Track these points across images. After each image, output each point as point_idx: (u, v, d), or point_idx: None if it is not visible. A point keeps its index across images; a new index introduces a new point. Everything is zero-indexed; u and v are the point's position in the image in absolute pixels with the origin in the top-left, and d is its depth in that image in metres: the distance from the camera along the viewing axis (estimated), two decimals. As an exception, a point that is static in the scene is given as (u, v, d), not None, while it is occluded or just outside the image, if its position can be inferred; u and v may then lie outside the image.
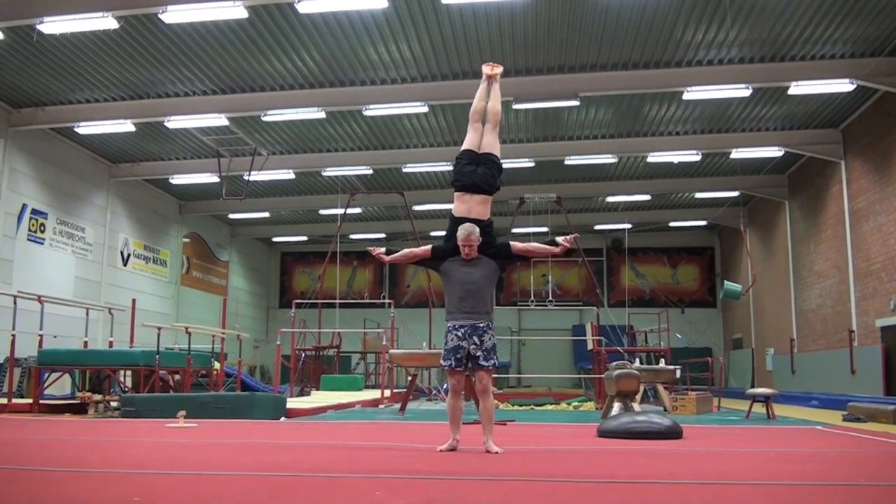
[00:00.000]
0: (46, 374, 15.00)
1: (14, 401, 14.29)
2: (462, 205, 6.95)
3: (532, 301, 24.34)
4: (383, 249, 7.21)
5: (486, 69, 7.47)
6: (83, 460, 6.07)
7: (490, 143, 7.18)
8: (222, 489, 4.63)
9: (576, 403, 18.15)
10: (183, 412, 9.96)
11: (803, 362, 24.76)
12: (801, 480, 5.14)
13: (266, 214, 31.31)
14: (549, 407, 17.72)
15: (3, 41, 15.97)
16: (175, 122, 20.00)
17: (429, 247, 6.99)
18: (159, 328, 15.20)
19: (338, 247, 23.82)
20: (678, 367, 16.26)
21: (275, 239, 37.13)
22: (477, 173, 6.97)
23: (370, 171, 25.11)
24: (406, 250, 7.10)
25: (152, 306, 26.72)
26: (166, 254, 28.81)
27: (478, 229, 6.69)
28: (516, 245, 6.91)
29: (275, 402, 12.83)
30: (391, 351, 15.99)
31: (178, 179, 25.68)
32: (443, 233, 7.01)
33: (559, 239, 6.83)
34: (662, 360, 17.18)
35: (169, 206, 28.98)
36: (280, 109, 19.33)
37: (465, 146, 7.19)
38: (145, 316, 21.74)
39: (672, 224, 32.71)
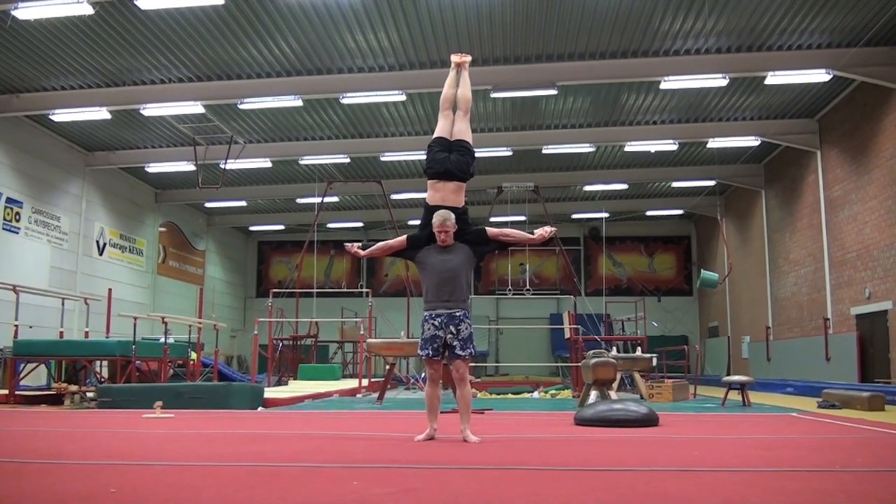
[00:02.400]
0: (22, 365, 14.89)
1: (-11, 391, 14.20)
2: (436, 193, 6.91)
3: (510, 290, 24.36)
4: (359, 244, 7.15)
5: (455, 58, 7.47)
6: (59, 451, 6.03)
7: (462, 130, 7.14)
8: (199, 479, 4.62)
9: (553, 392, 18.21)
10: (160, 402, 9.93)
11: (779, 350, 24.98)
12: (776, 467, 5.18)
13: (243, 203, 31.19)
14: (526, 395, 17.78)
15: (-25, 27, 15.80)
16: (151, 110, 19.86)
17: (404, 237, 6.96)
18: (136, 318, 15.11)
19: (315, 236, 23.78)
20: (654, 355, 16.34)
21: (252, 228, 37.00)
22: (450, 160, 6.93)
23: (347, 160, 25.06)
24: (382, 243, 7.05)
25: (128, 296, 26.57)
26: (142, 243, 28.64)
27: (453, 216, 6.67)
28: (492, 230, 6.87)
29: (252, 391, 12.80)
30: (369, 340, 15.98)
31: (153, 168, 25.51)
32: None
33: (537, 230, 6.82)
34: (639, 348, 17.27)
35: (145, 195, 28.79)
36: (257, 97, 19.24)
37: (436, 134, 7.15)
38: (121, 306, 21.64)
39: (649, 213, 32.87)
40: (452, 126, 7.18)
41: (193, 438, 7.19)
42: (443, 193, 6.88)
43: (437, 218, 6.61)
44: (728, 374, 22.55)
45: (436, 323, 6.56)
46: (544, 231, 6.78)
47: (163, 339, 17.69)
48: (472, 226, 6.93)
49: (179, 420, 9.28)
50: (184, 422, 9.06)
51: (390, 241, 6.99)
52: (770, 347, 25.66)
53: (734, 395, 13.82)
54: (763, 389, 20.33)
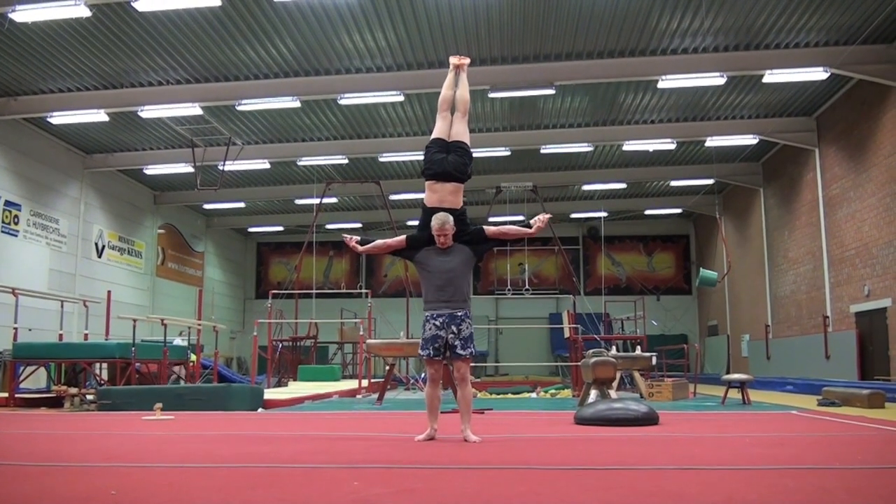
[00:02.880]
0: (21, 368, 14.88)
1: (-11, 395, 14.19)
2: (434, 194, 6.90)
3: (509, 290, 24.40)
4: (358, 238, 7.15)
5: (454, 60, 7.47)
6: (59, 454, 6.02)
7: (460, 132, 7.14)
8: (200, 481, 4.62)
9: (553, 391, 18.21)
10: (159, 404, 9.93)
11: (778, 348, 24.98)
12: (776, 464, 5.18)
13: (241, 204, 31.19)
14: (526, 395, 17.77)
15: (-28, 30, 15.79)
16: (149, 112, 19.87)
17: (403, 237, 6.95)
18: (135, 320, 15.10)
19: (314, 237, 23.75)
20: (654, 354, 16.33)
21: (250, 229, 36.97)
22: (448, 161, 6.92)
23: (346, 161, 25.06)
24: (381, 241, 7.05)
25: (128, 298, 26.56)
26: (141, 245, 28.62)
27: (452, 218, 6.66)
28: (490, 229, 6.87)
29: (252, 393, 12.80)
30: (368, 341, 15.97)
31: (152, 170, 25.49)
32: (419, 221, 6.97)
33: (532, 221, 6.81)
34: (638, 347, 17.27)
35: (143, 197, 28.77)
36: (254, 98, 19.23)
37: (434, 135, 7.14)
38: (120, 308, 21.61)
39: (648, 212, 32.87)
40: (450, 127, 7.18)
41: (193, 440, 7.19)
42: (440, 194, 6.88)
43: (435, 221, 6.61)
44: (728, 373, 22.53)
45: (437, 323, 6.57)
46: (540, 221, 6.78)
47: (177, 341, 17.79)
48: (471, 226, 6.93)
49: (179, 422, 9.28)
50: (183, 423, 9.06)
51: (389, 240, 6.98)
52: (769, 346, 25.66)
53: (734, 394, 13.82)
54: (763, 387, 20.33)
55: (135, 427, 8.56)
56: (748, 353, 28.02)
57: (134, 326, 14.73)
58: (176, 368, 17.23)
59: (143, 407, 10.84)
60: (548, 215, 6.96)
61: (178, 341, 18.51)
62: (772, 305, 26.02)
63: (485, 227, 6.92)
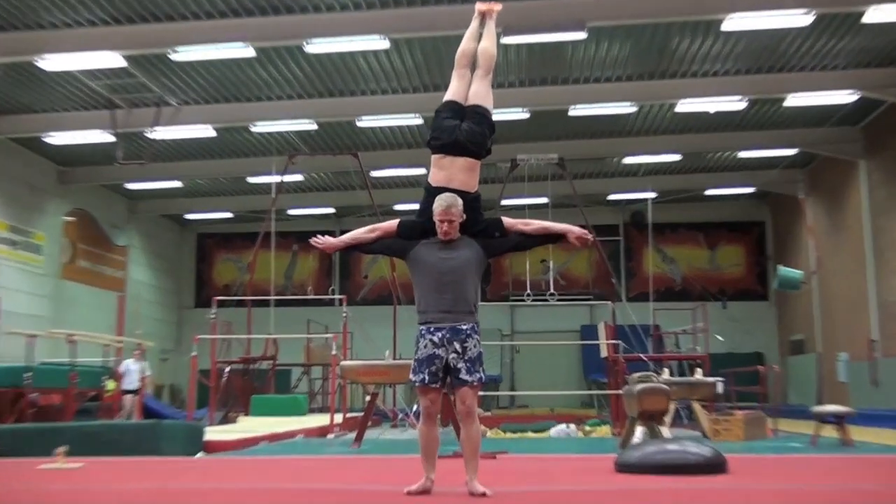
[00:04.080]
0: None
1: None
2: (440, 171, 6.91)
3: (528, 295, 24.33)
4: (327, 237, 7.13)
5: (481, 5, 7.51)
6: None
7: (479, 93, 7.20)
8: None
9: (587, 428, 18.22)
10: (63, 448, 9.83)
11: (889, 371, 24.91)
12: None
13: (177, 184, 31.21)
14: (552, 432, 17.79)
15: None
16: (53, 63, 19.77)
17: (395, 221, 6.94)
18: (32, 336, 15.03)
19: (273, 226, 23.79)
20: (720, 379, 16.33)
21: (189, 216, 37.04)
22: (461, 129, 6.94)
23: (314, 126, 24.99)
24: (363, 228, 7.03)
25: (21, 307, 26.36)
26: (41, 237, 28.50)
27: (461, 201, 6.64)
28: (509, 220, 6.87)
29: (189, 432, 12.83)
30: (343, 363, 15.98)
31: (56, 138, 25.38)
32: (410, 206, 6.94)
33: (575, 228, 6.82)
34: (699, 369, 17.27)
35: (44, 174, 28.62)
36: (195, 45, 19.15)
37: (447, 97, 7.23)
38: (13, 320, 21.55)
39: (709, 192, 32.94)
40: (468, 88, 7.19)
41: (107, 497, 7.14)
42: (449, 172, 6.89)
43: (438, 203, 6.61)
44: (819, 404, 22.57)
45: (435, 339, 6.55)
46: (584, 232, 6.80)
47: (128, 364, 17.78)
48: (485, 216, 6.92)
49: (89, 472, 9.21)
50: (95, 474, 9.02)
51: (376, 225, 6.96)
52: (878, 367, 25.58)
53: (829, 432, 13.80)
54: (868, 423, 20.26)
55: (27, 479, 8.51)
56: (847, 377, 27.99)
57: (30, 344, 14.66)
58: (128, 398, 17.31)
59: (41, 452, 10.75)
60: (592, 236, 6.99)
61: (130, 364, 18.49)
62: (879, 314, 25.94)
63: (503, 217, 6.92)
